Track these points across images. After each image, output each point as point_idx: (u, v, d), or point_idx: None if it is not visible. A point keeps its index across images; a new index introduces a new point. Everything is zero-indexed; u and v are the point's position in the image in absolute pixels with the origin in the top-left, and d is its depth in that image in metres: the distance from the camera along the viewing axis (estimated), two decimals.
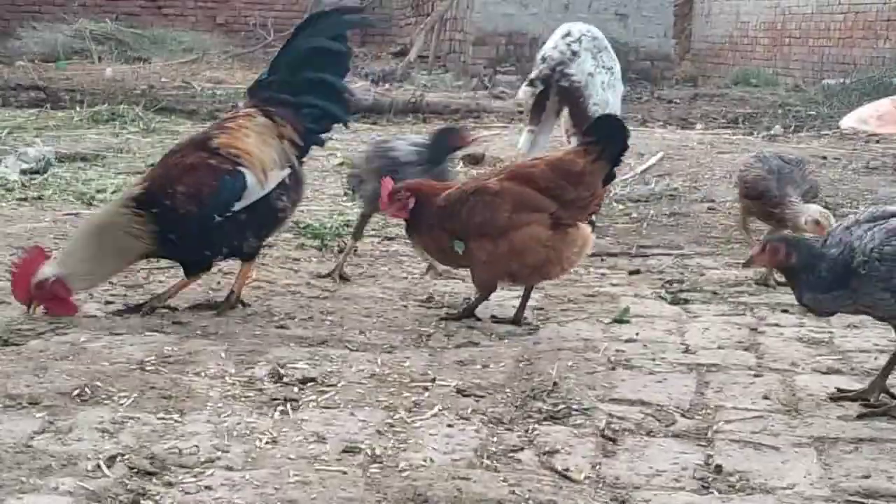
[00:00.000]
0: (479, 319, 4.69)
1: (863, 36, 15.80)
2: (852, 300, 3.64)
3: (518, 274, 4.63)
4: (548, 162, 4.65)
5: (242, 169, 4.53)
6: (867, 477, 3.18)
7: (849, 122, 12.05)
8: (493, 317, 4.72)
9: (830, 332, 4.62)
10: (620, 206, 7.74)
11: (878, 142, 10.99)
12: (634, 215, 7.48)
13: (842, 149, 10.44)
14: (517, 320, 4.67)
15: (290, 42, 4.83)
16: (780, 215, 5.45)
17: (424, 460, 3.23)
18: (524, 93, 7.18)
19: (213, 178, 4.49)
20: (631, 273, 5.79)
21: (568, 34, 7.15)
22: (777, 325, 4.81)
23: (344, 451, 3.26)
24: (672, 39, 16.90)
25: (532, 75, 7.08)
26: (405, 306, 4.92)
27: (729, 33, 16.53)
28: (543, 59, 7.03)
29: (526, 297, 4.73)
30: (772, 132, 11.80)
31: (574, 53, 7.03)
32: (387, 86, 15.01)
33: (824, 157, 9.56)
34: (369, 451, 3.26)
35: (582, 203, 4.60)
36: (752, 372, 4.11)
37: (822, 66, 16.11)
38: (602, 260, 6.09)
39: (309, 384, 3.80)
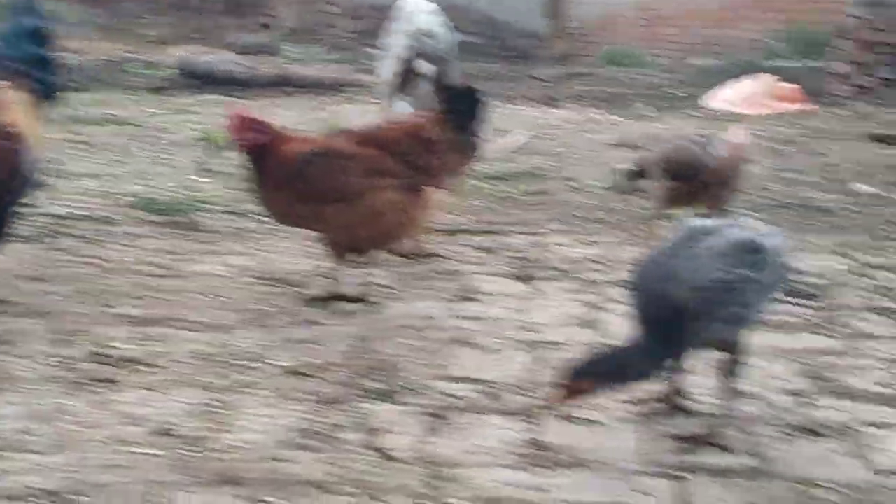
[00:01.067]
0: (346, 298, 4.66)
1: (732, 17, 16.09)
2: (690, 339, 3.25)
3: (373, 240, 4.61)
4: (401, 128, 4.70)
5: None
6: (689, 452, 3.24)
7: (715, 102, 12.27)
8: (333, 294, 4.67)
9: None
10: (483, 184, 7.74)
11: (741, 122, 11.21)
12: (496, 193, 7.49)
13: (706, 129, 10.61)
14: (357, 298, 4.63)
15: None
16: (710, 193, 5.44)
17: (242, 442, 3.18)
18: (425, 67, 7.27)
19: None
20: (484, 251, 5.79)
21: (427, 8, 7.25)
22: (622, 302, 4.85)
23: (158, 433, 3.19)
24: (546, 18, 16.97)
25: (401, 50, 7.16)
26: (247, 284, 4.85)
27: (603, 13, 16.66)
28: (428, 35, 7.17)
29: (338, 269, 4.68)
30: (639, 111, 11.95)
31: (439, 26, 7.24)
32: (255, 58, 14.78)
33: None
34: (185, 433, 3.21)
35: (433, 170, 4.63)
36: (591, 348, 4.13)
37: (693, 47, 16.36)
38: (458, 237, 6.09)
39: (130, 364, 3.72)
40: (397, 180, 4.54)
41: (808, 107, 12.13)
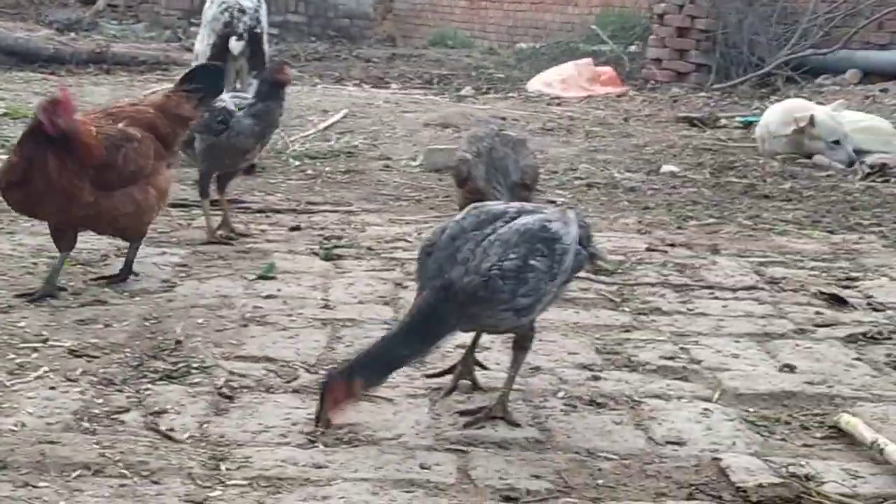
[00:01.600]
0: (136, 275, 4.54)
1: (554, 2, 16.33)
2: (471, 324, 3.21)
3: (149, 222, 4.61)
4: (158, 107, 4.64)
5: None
6: (474, 426, 3.24)
7: (535, 85, 12.45)
8: (101, 277, 4.53)
9: None
10: (297, 163, 7.66)
11: (559, 104, 11.40)
12: (310, 172, 7.42)
13: (524, 110, 10.75)
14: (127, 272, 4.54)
15: None
16: None
17: (15, 425, 3.05)
18: (238, 45, 7.23)
19: None
20: (291, 229, 5.71)
21: None
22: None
23: None
24: None
25: (241, 28, 7.18)
26: (34, 264, 4.66)
27: None
28: (243, 11, 7.21)
29: (136, 248, 4.59)
30: (461, 93, 12.03)
31: (259, 3, 7.33)
32: (72, 35, 14.31)
33: (504, 118, 9.79)
34: None
35: (176, 147, 4.73)
36: (387, 326, 4.12)
37: (516, 30, 16.56)
38: (266, 216, 6.00)
39: None
40: (166, 160, 4.60)
41: (624, 90, 12.42)
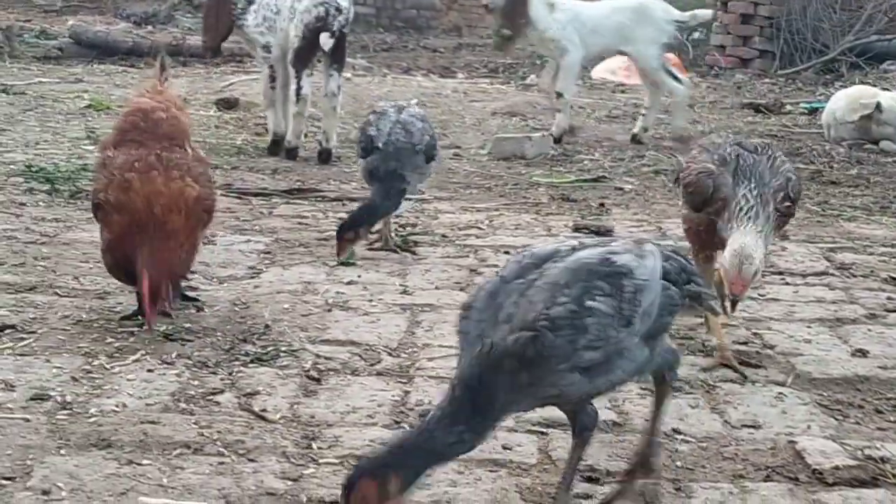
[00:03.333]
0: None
1: None
2: (531, 398, 2.51)
3: None
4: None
5: None
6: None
7: (599, 72, 12.40)
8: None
9: None
10: None
11: (623, 92, 11.36)
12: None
13: (589, 98, 10.73)
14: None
15: None
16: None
17: (117, 406, 3.14)
18: (330, 43, 7.16)
19: None
20: None
21: None
22: (496, 265, 4.90)
23: (31, 399, 3.13)
24: None
25: (336, 26, 7.10)
26: None
27: None
28: (339, 10, 7.10)
29: None
30: (527, 81, 12.02)
31: (351, 4, 7.25)
32: (149, 28, 14.51)
33: (570, 107, 9.78)
34: (59, 398, 3.15)
35: None
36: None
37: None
38: (343, 205, 6.07)
39: (6, 331, 3.64)
40: None
41: (688, 77, 12.32)
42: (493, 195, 6.50)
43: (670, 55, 12.75)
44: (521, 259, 2.59)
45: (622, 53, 8.55)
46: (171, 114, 3.97)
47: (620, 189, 6.74)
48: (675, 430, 3.15)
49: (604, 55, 8.43)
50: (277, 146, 7.39)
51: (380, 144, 4.93)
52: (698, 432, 3.16)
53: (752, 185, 3.54)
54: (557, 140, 8.03)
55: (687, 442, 3.09)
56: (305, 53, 7.15)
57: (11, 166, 6.31)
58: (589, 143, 8.19)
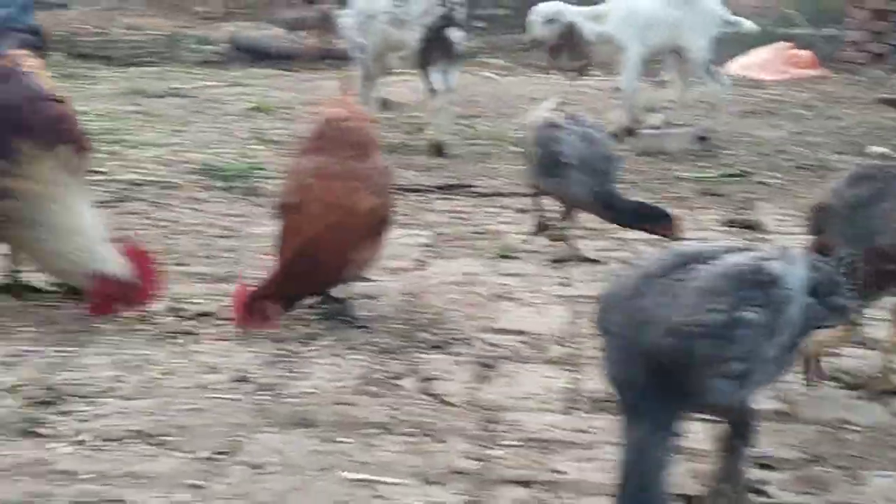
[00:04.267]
0: None
1: None
2: (688, 401, 2.36)
3: None
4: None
5: None
6: None
7: (734, 68, 12.20)
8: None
9: None
10: (515, 149, 7.77)
11: (758, 87, 11.16)
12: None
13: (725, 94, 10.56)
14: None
15: None
16: None
17: (311, 388, 3.27)
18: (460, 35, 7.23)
19: None
20: (518, 211, 5.84)
21: None
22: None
23: (235, 381, 3.29)
24: None
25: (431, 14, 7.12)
26: None
27: None
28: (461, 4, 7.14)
29: None
30: (661, 78, 11.89)
31: None
32: (303, 33, 14.80)
33: (707, 103, 9.67)
34: (259, 380, 3.30)
35: None
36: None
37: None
38: (494, 199, 6.14)
39: (206, 318, 3.81)
40: None
41: (822, 73, 12.06)
42: (639, 190, 6.47)
43: (802, 52, 12.54)
44: (666, 256, 2.46)
45: (675, 51, 8.28)
46: (359, 124, 4.02)
47: (764, 184, 6.66)
48: (844, 421, 3.14)
49: (661, 51, 8.18)
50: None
51: (574, 162, 4.68)
52: (866, 422, 3.13)
53: None
54: (615, 136, 7.82)
55: (856, 431, 3.08)
56: (430, 52, 7.12)
57: (188, 164, 6.54)
58: (730, 139, 8.09)
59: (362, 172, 3.84)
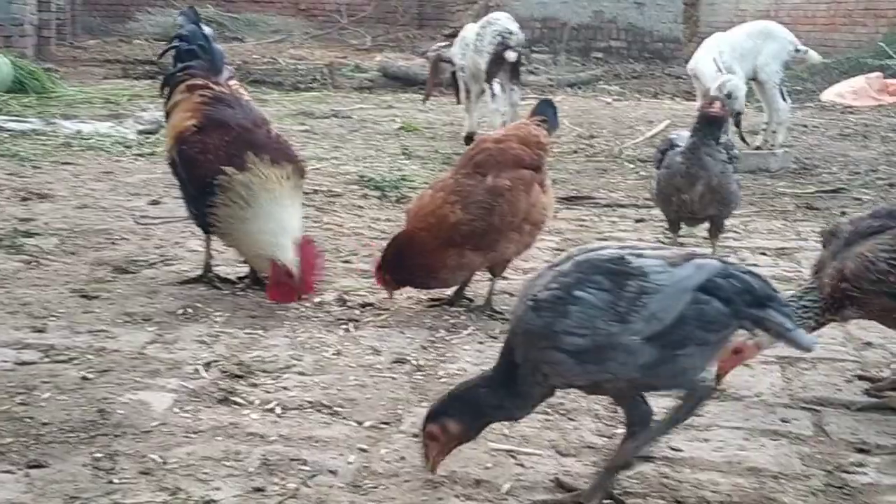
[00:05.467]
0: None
1: (843, 22, 15.49)
2: (544, 376, 2.34)
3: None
4: (521, 140, 4.00)
5: None
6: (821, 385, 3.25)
7: (828, 95, 11.90)
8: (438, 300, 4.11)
9: (799, 272, 4.64)
10: (631, 165, 7.74)
11: (851, 113, 10.85)
12: (642, 173, 7.47)
13: (821, 118, 10.33)
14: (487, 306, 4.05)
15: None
16: None
17: (459, 370, 3.32)
18: (513, 55, 7.89)
19: None
20: (637, 221, 5.81)
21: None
22: (756, 265, 4.84)
23: (394, 362, 3.36)
24: (681, 24, 16.62)
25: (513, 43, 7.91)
26: None
27: (729, 19, 16.19)
28: (511, 33, 7.90)
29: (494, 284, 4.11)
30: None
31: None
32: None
33: (805, 126, 9.46)
34: (414, 362, 3.37)
35: (544, 167, 4.08)
36: None
37: (808, 47, 15.81)
38: (613, 210, 6.12)
39: (368, 308, 3.91)
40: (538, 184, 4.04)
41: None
42: (744, 203, 6.36)
43: (894, 80, 12.10)
44: (572, 251, 2.40)
45: (754, 79, 8.04)
46: (500, 146, 3.90)
47: (858, 199, 6.48)
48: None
49: (747, 77, 7.93)
50: (470, 139, 7.94)
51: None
52: None
53: None
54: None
55: None
56: (492, 69, 7.95)
57: (348, 176, 6.70)
58: (826, 158, 7.89)
59: (465, 189, 3.78)
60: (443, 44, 8.89)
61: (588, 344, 2.24)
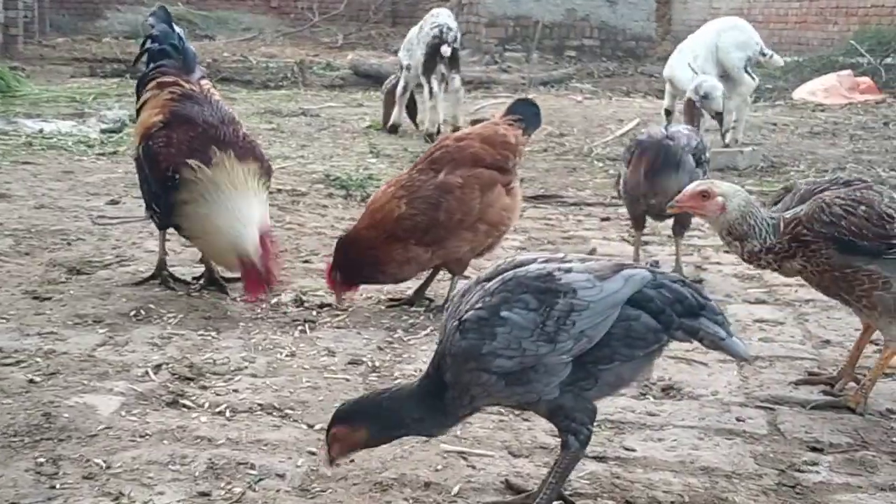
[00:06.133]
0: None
1: (815, 21, 15.59)
2: (471, 397, 2.28)
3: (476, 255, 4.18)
4: (483, 139, 3.98)
5: None
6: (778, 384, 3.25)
7: (800, 93, 11.96)
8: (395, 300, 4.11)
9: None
10: (600, 164, 7.74)
11: (822, 111, 10.92)
12: (611, 171, 7.47)
13: (791, 116, 10.38)
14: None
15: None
16: None
17: (415, 370, 3.30)
18: (448, 50, 8.21)
19: None
20: (602, 220, 5.81)
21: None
22: (719, 262, 4.85)
23: (349, 363, 3.34)
24: (654, 23, 16.66)
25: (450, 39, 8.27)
26: None
27: (703, 17, 16.28)
28: (450, 29, 8.27)
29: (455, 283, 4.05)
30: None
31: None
32: None
33: (775, 124, 9.51)
34: (370, 363, 3.34)
35: (512, 170, 4.04)
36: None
37: (780, 46, 15.89)
38: (580, 209, 6.12)
39: (325, 308, 3.88)
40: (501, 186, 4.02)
41: (882, 98, 11.74)
42: None
43: (864, 79, 12.19)
44: (500, 264, 2.33)
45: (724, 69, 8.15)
46: (457, 144, 3.91)
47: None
48: (889, 410, 3.06)
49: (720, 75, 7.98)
50: (396, 129, 8.73)
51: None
52: None
53: None
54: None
55: None
56: (430, 64, 8.36)
57: (313, 175, 6.66)
58: (794, 156, 7.93)
59: (415, 185, 3.79)
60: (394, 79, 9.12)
61: (515, 366, 2.19)
